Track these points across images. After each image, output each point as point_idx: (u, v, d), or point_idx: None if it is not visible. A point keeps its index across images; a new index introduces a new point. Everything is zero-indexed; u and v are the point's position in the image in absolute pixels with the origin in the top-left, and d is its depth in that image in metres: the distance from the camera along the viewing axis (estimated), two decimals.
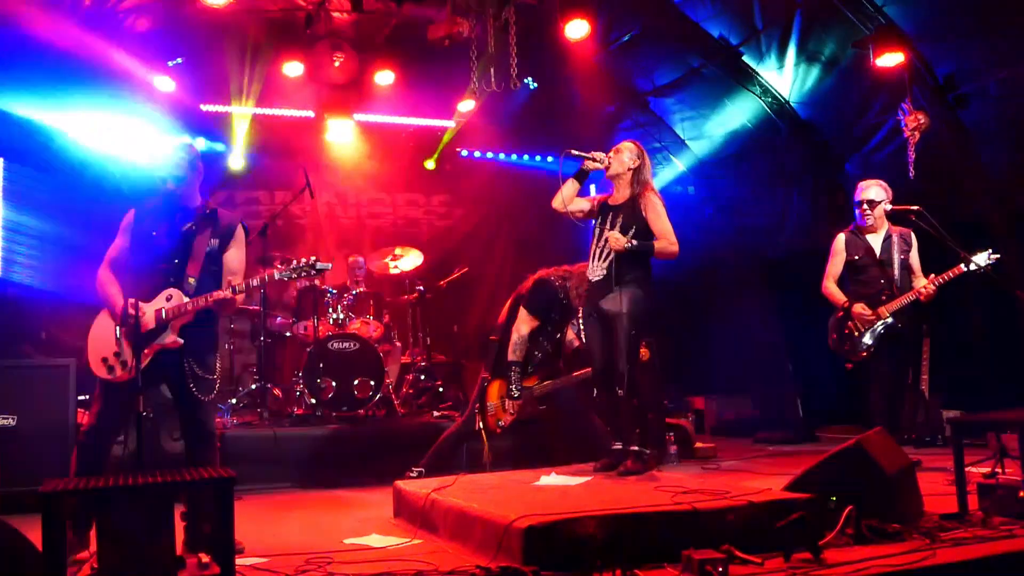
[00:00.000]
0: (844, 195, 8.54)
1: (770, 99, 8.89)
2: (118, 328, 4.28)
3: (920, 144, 7.25)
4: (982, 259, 5.94)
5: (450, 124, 10.70)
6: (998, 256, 5.99)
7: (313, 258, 4.54)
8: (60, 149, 8.80)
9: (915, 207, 6.13)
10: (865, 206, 6.29)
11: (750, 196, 10.09)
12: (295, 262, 4.56)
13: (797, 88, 8.65)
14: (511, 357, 6.11)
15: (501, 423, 6.15)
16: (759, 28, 8.31)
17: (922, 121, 7.23)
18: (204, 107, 9.72)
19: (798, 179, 9.30)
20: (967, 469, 4.43)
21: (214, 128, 10.00)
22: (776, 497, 4.05)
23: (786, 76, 8.59)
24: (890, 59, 7.23)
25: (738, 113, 9.32)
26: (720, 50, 8.74)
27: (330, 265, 4.65)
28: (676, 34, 8.90)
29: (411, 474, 6.06)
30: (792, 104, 8.82)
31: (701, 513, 3.82)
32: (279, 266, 4.58)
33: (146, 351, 4.25)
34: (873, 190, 6.30)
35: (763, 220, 10.03)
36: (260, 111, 9.95)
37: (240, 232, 4.63)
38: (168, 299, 4.31)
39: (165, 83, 8.80)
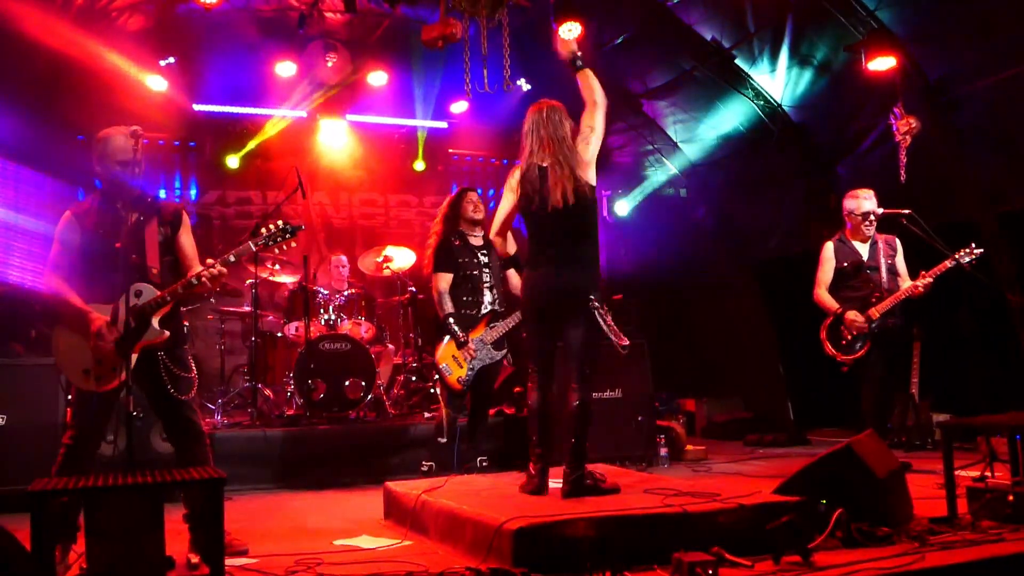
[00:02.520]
0: (836, 198, 8.55)
1: (762, 102, 8.91)
2: (94, 335, 4.08)
3: (911, 147, 7.27)
4: (965, 255, 6.04)
5: (443, 125, 10.72)
6: (981, 251, 6.05)
7: (281, 222, 4.37)
8: (51, 147, 8.77)
9: (906, 211, 6.20)
10: (871, 218, 6.34)
11: (742, 199, 10.11)
12: (267, 229, 4.36)
13: (789, 91, 8.66)
14: (443, 313, 6.09)
15: (461, 378, 6.09)
16: (751, 31, 8.33)
17: (913, 125, 7.24)
18: (197, 107, 9.70)
19: (790, 182, 9.31)
20: (957, 472, 4.45)
21: (207, 128, 9.99)
22: (766, 500, 4.06)
23: (778, 79, 8.60)
24: (882, 63, 7.24)
25: (730, 116, 9.33)
26: (712, 53, 8.76)
27: (303, 226, 4.52)
28: (669, 37, 8.91)
29: (423, 468, 6.34)
30: (784, 107, 8.83)
31: (691, 515, 3.82)
32: (257, 236, 4.37)
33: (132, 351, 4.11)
34: (872, 201, 6.38)
35: (755, 223, 10.05)
36: (254, 111, 9.95)
37: (186, 218, 4.47)
38: (138, 294, 4.09)
39: (157, 82, 8.77)
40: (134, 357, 4.09)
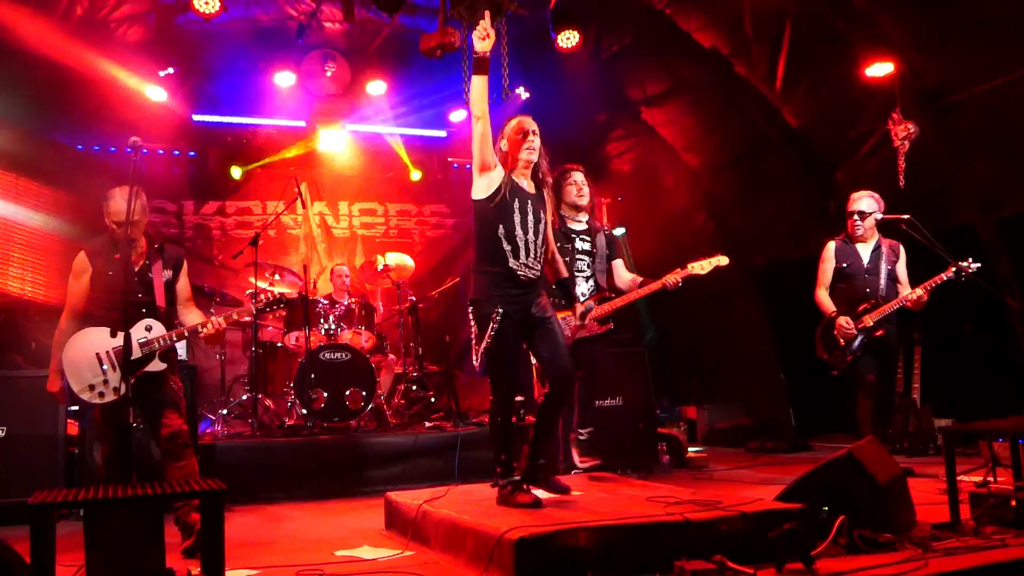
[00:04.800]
0: (835, 204, 8.56)
1: (761, 108, 8.91)
2: (99, 355, 4.55)
3: (910, 153, 7.28)
4: (964, 268, 6.03)
5: (442, 134, 10.74)
6: (978, 265, 6.05)
7: (278, 291, 4.99)
8: (51, 157, 8.79)
9: (905, 216, 6.20)
10: (856, 217, 6.38)
11: (741, 205, 10.11)
12: (259, 298, 5.21)
13: (788, 97, 8.67)
14: None
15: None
16: (750, 38, 8.34)
17: (912, 130, 7.27)
18: (196, 117, 9.71)
19: (789, 188, 9.31)
20: (959, 478, 4.43)
21: (207, 138, 10.01)
22: (768, 507, 4.05)
23: (777, 85, 8.60)
24: (880, 69, 7.27)
25: (729, 122, 9.33)
26: (711, 60, 8.77)
27: (294, 297, 5.07)
28: (667, 44, 8.93)
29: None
30: (783, 113, 8.84)
31: (693, 524, 3.81)
32: (256, 299, 5.26)
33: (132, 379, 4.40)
34: (864, 201, 6.39)
35: (754, 229, 10.05)
36: (252, 121, 9.96)
37: (186, 263, 5.04)
38: (148, 329, 4.64)
39: (157, 93, 8.78)
40: (133, 380, 4.47)
